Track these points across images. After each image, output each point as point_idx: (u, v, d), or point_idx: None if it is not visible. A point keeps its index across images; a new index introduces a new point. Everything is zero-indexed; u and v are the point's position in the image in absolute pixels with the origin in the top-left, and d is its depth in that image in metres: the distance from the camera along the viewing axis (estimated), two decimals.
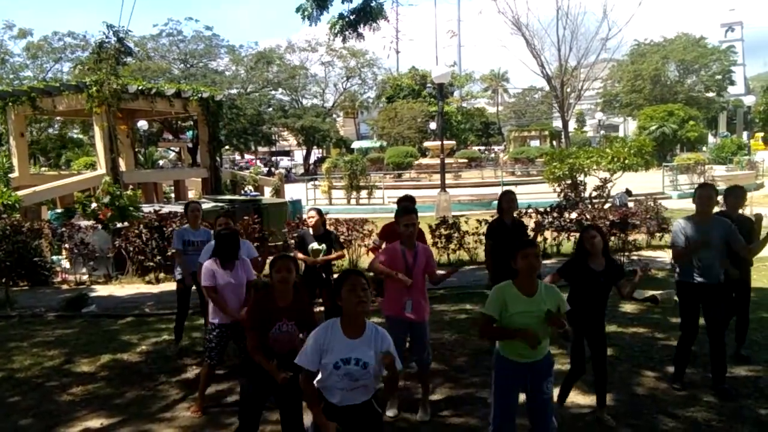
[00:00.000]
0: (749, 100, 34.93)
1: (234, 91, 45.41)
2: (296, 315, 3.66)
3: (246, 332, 3.83)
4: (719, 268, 4.94)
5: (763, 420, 4.47)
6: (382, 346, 2.97)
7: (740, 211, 5.83)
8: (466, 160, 35.04)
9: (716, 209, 5.37)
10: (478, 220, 11.07)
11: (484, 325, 3.65)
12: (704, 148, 42.52)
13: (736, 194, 5.62)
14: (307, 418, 3.64)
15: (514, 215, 6.39)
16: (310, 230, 6.54)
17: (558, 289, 3.67)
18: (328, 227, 7.00)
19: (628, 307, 7.77)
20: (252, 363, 3.79)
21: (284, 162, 56.25)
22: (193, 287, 6.50)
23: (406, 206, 5.24)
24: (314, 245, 6.24)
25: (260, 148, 58.03)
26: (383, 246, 5.84)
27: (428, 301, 4.97)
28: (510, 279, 3.65)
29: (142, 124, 27.97)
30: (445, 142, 22.75)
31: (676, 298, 6.07)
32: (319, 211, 6.63)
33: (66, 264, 11.24)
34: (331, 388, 2.99)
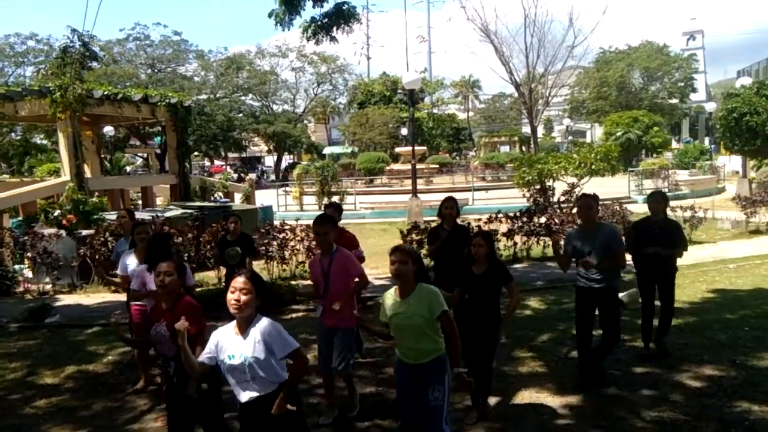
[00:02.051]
0: (710, 107, 35.88)
1: (203, 96, 44.89)
2: (170, 317, 3.65)
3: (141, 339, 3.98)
4: (608, 273, 5.14)
5: (727, 418, 4.59)
6: (269, 336, 3.08)
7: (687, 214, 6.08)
8: (437, 166, 35.22)
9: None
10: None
11: (380, 330, 3.89)
12: (669, 154, 43.56)
13: (655, 199, 6.03)
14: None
15: (458, 221, 6.44)
16: (228, 236, 7.08)
17: (435, 291, 3.68)
18: (244, 232, 7.27)
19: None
20: (168, 379, 3.79)
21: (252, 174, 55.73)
22: None
23: (320, 214, 5.32)
24: (230, 249, 6.76)
25: (231, 154, 57.44)
26: None
27: (349, 308, 4.79)
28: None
29: (109, 129, 27.42)
30: (416, 147, 22.84)
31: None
32: (237, 218, 7.17)
33: (28, 273, 10.94)
34: (233, 385, 3.17)
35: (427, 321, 3.60)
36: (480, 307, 4.60)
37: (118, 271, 5.69)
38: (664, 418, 4.66)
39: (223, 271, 10.09)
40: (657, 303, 6.08)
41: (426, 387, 3.63)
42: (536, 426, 4.61)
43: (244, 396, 3.13)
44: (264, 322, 3.13)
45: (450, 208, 6.11)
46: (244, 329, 3.12)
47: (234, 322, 3.18)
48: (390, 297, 3.74)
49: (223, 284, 9.57)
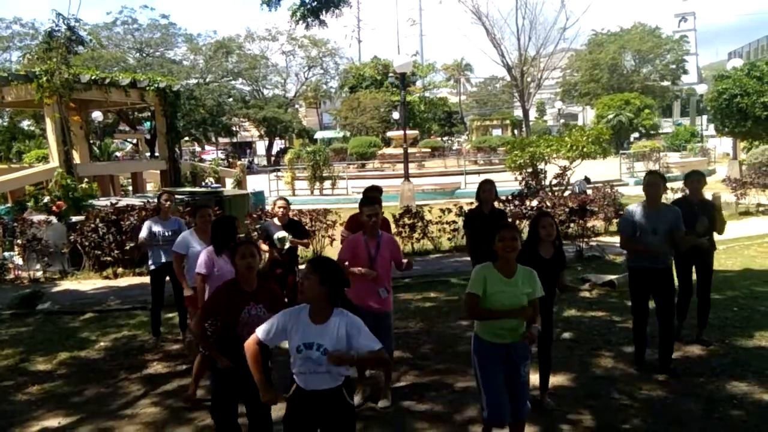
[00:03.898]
0: (701, 89, 35.92)
1: (192, 81, 44.46)
2: (263, 298, 3.67)
3: (198, 317, 3.82)
4: (667, 253, 5.08)
5: (715, 397, 4.66)
6: (353, 331, 3.00)
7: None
8: (429, 150, 35.16)
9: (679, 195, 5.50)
10: (441, 209, 11.16)
11: (471, 304, 3.68)
12: (661, 135, 43.71)
13: (695, 179, 5.80)
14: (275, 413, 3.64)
15: (495, 204, 6.41)
16: (275, 220, 6.53)
17: (536, 275, 3.73)
18: (291, 217, 6.92)
19: (587, 292, 7.95)
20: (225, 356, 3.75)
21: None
22: (167, 278, 6.38)
23: (370, 197, 5.26)
24: (280, 234, 6.17)
25: (221, 139, 57.07)
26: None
27: (391, 291, 4.99)
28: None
29: (97, 115, 27.16)
30: (408, 131, 22.78)
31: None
32: (287, 201, 6.67)
33: (19, 260, 10.87)
34: (296, 371, 3.06)
35: (528, 300, 3.65)
36: (546, 292, 4.39)
37: (176, 248, 5.57)
38: (653, 397, 4.72)
39: None
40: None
41: (518, 364, 3.71)
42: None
43: (309, 384, 3.04)
44: (347, 317, 3.04)
45: (488, 191, 6.07)
46: (320, 318, 3.01)
47: (304, 308, 3.07)
48: (493, 274, 3.66)
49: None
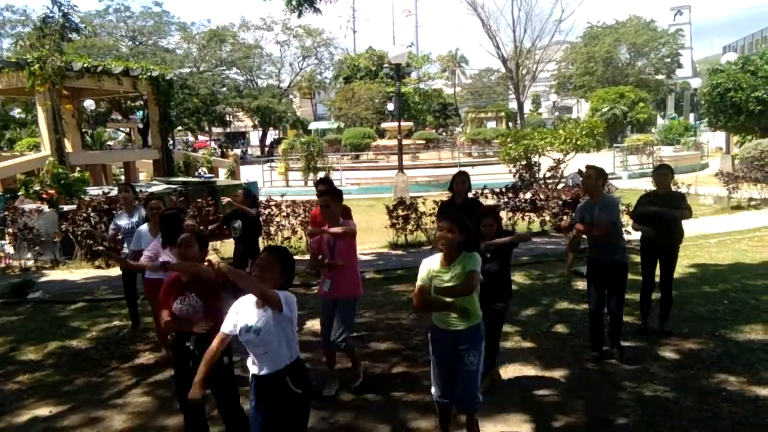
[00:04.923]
0: (696, 83, 35.97)
1: (186, 69, 44.16)
2: (196, 287, 3.67)
3: (159, 312, 3.90)
4: (614, 246, 5.19)
5: (705, 389, 4.68)
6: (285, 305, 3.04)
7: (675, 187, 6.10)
8: (423, 141, 35.08)
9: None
10: (435, 201, 11.12)
11: (417, 295, 3.78)
12: (653, 129, 43.78)
13: (661, 172, 5.99)
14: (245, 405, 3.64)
15: (470, 196, 6.46)
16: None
17: (475, 257, 3.69)
18: (247, 207, 6.85)
19: (580, 284, 7.96)
20: (178, 354, 3.76)
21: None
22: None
23: (319, 189, 5.45)
24: (234, 222, 6.53)
25: (215, 129, 56.80)
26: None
27: (357, 279, 4.97)
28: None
29: (89, 103, 26.95)
30: (402, 123, 22.71)
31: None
32: (244, 193, 6.83)
33: (10, 249, 10.79)
34: (250, 356, 3.16)
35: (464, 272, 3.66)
36: (489, 283, 4.46)
37: (132, 246, 5.74)
38: (645, 390, 4.74)
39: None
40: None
41: (462, 352, 3.72)
42: (521, 399, 4.67)
43: (256, 368, 3.13)
44: (286, 294, 3.09)
45: (460, 183, 6.15)
46: (262, 302, 3.12)
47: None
48: (432, 263, 3.76)
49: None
